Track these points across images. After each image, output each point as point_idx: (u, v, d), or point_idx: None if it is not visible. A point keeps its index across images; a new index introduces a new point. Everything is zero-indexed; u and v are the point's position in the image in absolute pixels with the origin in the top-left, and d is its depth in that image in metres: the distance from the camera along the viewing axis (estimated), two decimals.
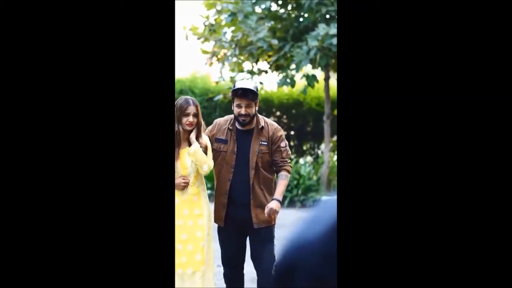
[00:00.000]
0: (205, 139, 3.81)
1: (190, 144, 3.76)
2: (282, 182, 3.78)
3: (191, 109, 3.72)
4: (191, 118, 3.71)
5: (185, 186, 3.68)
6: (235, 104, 3.77)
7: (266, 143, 3.77)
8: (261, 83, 9.83)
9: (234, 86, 3.77)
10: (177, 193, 3.73)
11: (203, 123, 3.84)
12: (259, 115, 3.87)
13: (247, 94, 3.70)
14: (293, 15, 9.06)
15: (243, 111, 3.72)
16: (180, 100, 3.77)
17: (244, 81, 3.83)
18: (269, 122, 3.86)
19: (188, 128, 3.73)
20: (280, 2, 9.12)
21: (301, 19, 8.97)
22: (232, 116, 3.85)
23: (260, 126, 3.79)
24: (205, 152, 3.77)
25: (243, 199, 3.76)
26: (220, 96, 9.82)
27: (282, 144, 3.82)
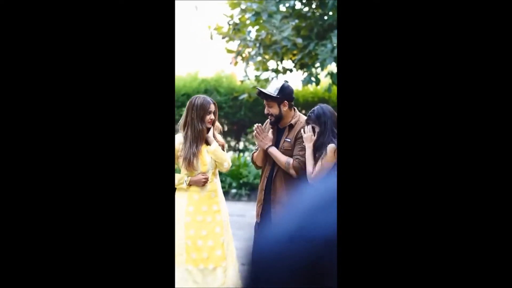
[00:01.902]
0: (220, 138, 3.96)
1: (207, 142, 3.87)
2: (283, 156, 3.83)
3: (213, 108, 3.87)
4: (212, 116, 3.86)
5: (205, 182, 3.77)
6: None
7: (289, 140, 3.84)
8: (285, 81, 9.78)
9: None
10: (196, 190, 3.83)
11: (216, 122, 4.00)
12: (297, 112, 3.98)
13: (261, 95, 3.90)
14: (317, 14, 9.04)
15: (265, 110, 3.89)
16: (198, 99, 3.89)
17: (273, 82, 4.01)
18: (300, 120, 3.94)
19: (209, 126, 3.87)
20: (304, 1, 9.10)
21: (325, 17, 8.95)
22: None
23: (290, 125, 3.89)
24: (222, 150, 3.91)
25: (270, 195, 3.84)
26: (245, 95, 9.83)
27: (304, 144, 3.86)
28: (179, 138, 3.85)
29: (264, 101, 3.93)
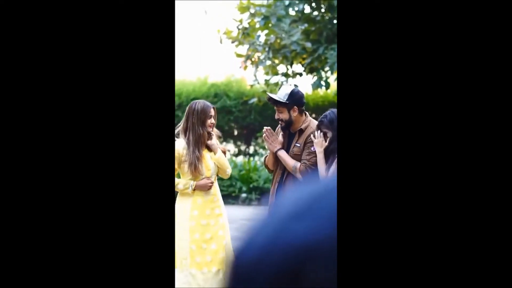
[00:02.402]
0: (219, 144, 4.05)
1: (207, 147, 3.92)
2: (292, 160, 3.85)
3: (213, 112, 3.90)
4: (213, 120, 3.90)
5: (211, 186, 3.81)
6: None
7: (299, 145, 3.84)
8: (295, 85, 9.80)
9: None
10: (200, 194, 3.87)
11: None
12: (308, 117, 3.99)
13: (270, 101, 3.94)
14: (326, 17, 9.04)
15: (276, 115, 3.91)
16: (199, 104, 3.92)
17: (283, 87, 4.04)
18: (310, 125, 3.93)
19: (210, 130, 3.90)
20: (313, 5, 9.10)
21: (334, 21, 8.95)
22: None
23: (301, 129, 3.89)
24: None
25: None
26: (255, 99, 9.84)
27: (312, 149, 3.86)
28: (181, 143, 3.89)
29: (275, 106, 3.96)
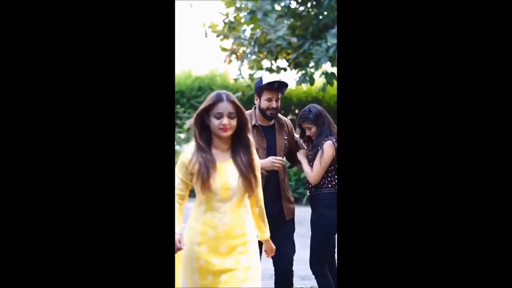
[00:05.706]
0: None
1: (233, 155, 2.72)
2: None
3: (224, 108, 2.65)
4: (225, 120, 2.64)
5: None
6: (264, 97, 3.75)
7: (286, 138, 3.82)
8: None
9: (260, 80, 3.79)
10: (212, 224, 2.70)
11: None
12: None
13: (281, 88, 3.74)
14: (312, 13, 9.03)
15: (273, 104, 3.73)
16: (212, 93, 2.75)
17: (274, 75, 3.86)
18: (283, 117, 3.92)
19: (223, 133, 2.66)
20: (299, 0, 9.10)
21: (320, 17, 8.94)
22: (250, 112, 3.84)
23: (280, 122, 3.83)
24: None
25: (274, 194, 3.76)
26: (239, 94, 9.82)
27: (297, 135, 3.92)
28: (191, 147, 2.75)
29: (273, 95, 3.72)
